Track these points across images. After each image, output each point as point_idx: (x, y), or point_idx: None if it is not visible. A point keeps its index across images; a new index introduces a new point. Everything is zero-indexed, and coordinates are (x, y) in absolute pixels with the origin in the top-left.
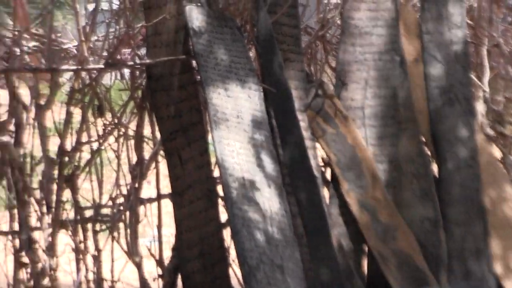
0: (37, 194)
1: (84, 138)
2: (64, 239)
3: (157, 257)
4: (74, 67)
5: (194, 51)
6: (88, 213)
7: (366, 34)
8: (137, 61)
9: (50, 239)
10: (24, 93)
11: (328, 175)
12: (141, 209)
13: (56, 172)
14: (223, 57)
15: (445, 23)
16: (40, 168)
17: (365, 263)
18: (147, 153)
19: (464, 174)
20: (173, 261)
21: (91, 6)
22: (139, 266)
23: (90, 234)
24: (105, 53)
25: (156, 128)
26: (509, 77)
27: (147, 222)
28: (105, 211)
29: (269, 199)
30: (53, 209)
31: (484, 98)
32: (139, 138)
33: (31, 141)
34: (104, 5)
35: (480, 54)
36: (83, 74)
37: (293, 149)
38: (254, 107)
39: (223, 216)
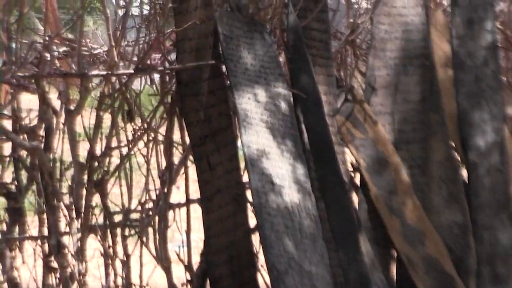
0: (67, 199)
1: (114, 143)
2: (93, 244)
3: (186, 262)
4: (104, 73)
5: (224, 56)
6: (117, 218)
7: (396, 39)
8: (167, 66)
9: (79, 244)
10: (54, 98)
11: (357, 180)
12: (170, 214)
13: (85, 177)
14: (253, 62)
15: (475, 28)
16: (69, 173)
17: (393, 268)
18: (176, 158)
19: (494, 178)
20: (201, 266)
21: (121, 11)
22: (167, 271)
23: (119, 239)
24: (135, 58)
25: (186, 133)
26: None
27: (176, 227)
28: (134, 216)
29: (298, 204)
30: (82, 214)
31: None
32: (168, 143)
33: (60, 146)
34: (135, 11)
35: (510, 59)
36: (113, 79)
37: (322, 154)
38: (283, 112)
39: (252, 221)
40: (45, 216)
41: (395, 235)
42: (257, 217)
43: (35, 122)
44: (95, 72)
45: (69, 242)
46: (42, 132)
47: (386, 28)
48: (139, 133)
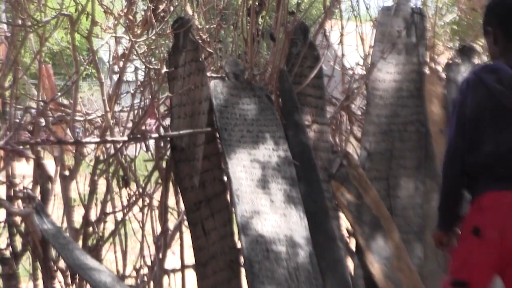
0: (62, 264)
1: (109, 208)
2: None
3: None
4: (98, 140)
5: (217, 126)
6: None
7: (391, 105)
8: (162, 132)
9: None
10: (49, 164)
11: (353, 245)
12: (165, 280)
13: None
14: (250, 128)
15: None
16: None
17: None
18: (171, 223)
19: None
20: None
21: (116, 77)
22: None
23: None
24: (130, 124)
25: (181, 199)
26: None
27: None
28: (129, 281)
29: (295, 269)
30: (77, 280)
31: None
32: (163, 208)
33: (55, 212)
34: (129, 76)
35: None
36: (108, 145)
37: (317, 218)
38: (283, 175)
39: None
40: (39, 282)
41: None
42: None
43: (29, 187)
44: (89, 139)
45: None
46: (37, 198)
47: (381, 94)
48: (134, 199)
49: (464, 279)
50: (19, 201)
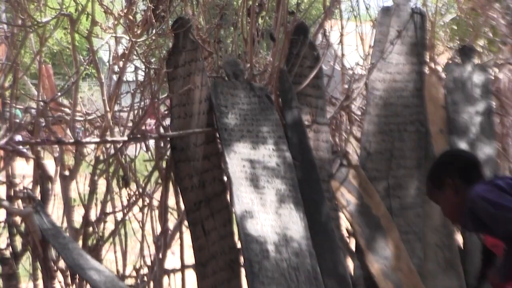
0: (62, 264)
1: (109, 208)
2: None
3: None
4: (98, 140)
5: (217, 126)
6: None
7: (391, 105)
8: (162, 132)
9: None
10: (49, 164)
11: (353, 245)
12: (165, 279)
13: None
14: (250, 128)
15: (470, 94)
16: None
17: None
18: (171, 223)
19: None
20: None
21: (116, 77)
22: None
23: None
24: (130, 124)
25: (181, 199)
26: None
27: None
28: (130, 281)
29: (295, 269)
30: (77, 280)
31: (510, 168)
32: (163, 208)
33: (55, 212)
34: (129, 76)
35: (505, 125)
36: (108, 145)
37: (317, 218)
38: (283, 175)
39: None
40: (39, 282)
41: None
42: (249, 286)
43: (29, 188)
44: (89, 139)
45: None
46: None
47: (381, 94)
48: (134, 199)
49: None
50: (19, 201)
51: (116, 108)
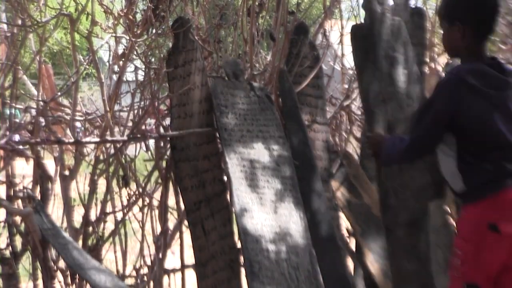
0: (62, 264)
1: (109, 208)
2: None
3: None
4: (98, 140)
5: (217, 126)
6: None
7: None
8: (162, 132)
9: None
10: (49, 164)
11: (353, 245)
12: (165, 279)
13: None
14: (250, 128)
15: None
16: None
17: None
18: (171, 223)
19: None
20: None
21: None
22: None
23: None
24: (130, 124)
25: (181, 199)
26: None
27: None
28: (130, 281)
29: (295, 269)
30: (77, 280)
31: None
32: (163, 208)
33: (55, 212)
34: (129, 76)
35: None
36: (108, 144)
37: (317, 218)
38: (283, 175)
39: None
40: (39, 282)
41: None
42: (249, 285)
43: (29, 187)
44: (89, 139)
45: None
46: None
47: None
48: (134, 199)
49: (477, 282)
50: (19, 201)
51: (116, 108)
